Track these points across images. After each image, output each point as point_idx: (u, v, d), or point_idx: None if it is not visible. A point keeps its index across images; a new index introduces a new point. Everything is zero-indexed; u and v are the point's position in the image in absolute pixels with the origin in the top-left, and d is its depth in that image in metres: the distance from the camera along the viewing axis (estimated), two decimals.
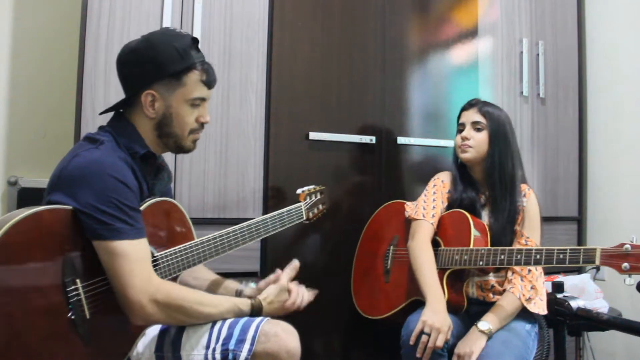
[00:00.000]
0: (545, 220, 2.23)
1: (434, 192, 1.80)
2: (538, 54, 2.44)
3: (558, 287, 1.74)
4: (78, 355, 1.13)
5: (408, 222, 1.81)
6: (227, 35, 1.90)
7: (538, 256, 1.48)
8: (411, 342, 1.51)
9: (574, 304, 1.78)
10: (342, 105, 2.07)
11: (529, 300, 1.64)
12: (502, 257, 1.54)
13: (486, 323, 1.57)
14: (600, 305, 2.06)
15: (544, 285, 1.70)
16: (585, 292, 2.09)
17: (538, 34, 2.45)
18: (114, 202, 1.17)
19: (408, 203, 1.89)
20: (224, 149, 1.88)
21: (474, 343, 1.54)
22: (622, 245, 1.36)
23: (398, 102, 2.17)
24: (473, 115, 1.76)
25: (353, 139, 2.07)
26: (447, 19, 2.28)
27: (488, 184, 1.75)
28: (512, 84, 2.38)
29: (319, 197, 1.78)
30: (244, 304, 1.30)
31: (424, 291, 1.60)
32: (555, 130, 2.48)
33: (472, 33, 2.31)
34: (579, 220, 2.52)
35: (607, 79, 2.52)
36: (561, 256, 1.44)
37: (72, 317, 1.11)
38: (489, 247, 1.64)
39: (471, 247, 1.62)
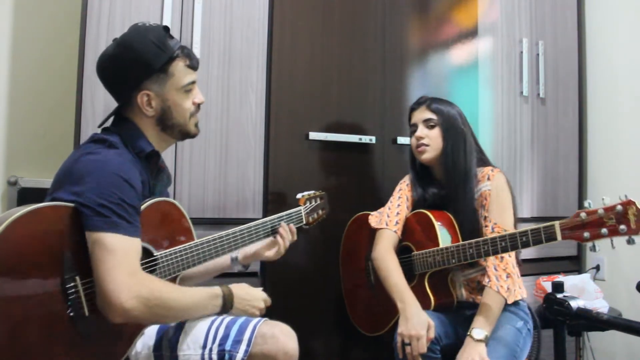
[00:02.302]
0: (546, 219, 2.22)
1: (399, 197, 1.79)
2: (538, 54, 2.44)
3: (558, 287, 1.74)
4: (76, 352, 1.13)
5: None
6: (227, 35, 1.90)
7: (503, 243, 1.46)
8: (400, 357, 1.52)
9: (573, 304, 1.78)
10: (342, 105, 2.07)
11: (507, 290, 1.58)
12: (471, 251, 1.53)
13: (480, 330, 1.52)
14: (600, 305, 2.06)
15: (517, 269, 1.65)
16: (585, 292, 2.09)
17: (538, 34, 2.45)
18: (115, 198, 1.17)
19: (372, 213, 1.86)
20: (224, 149, 1.88)
21: (475, 352, 1.49)
22: (578, 214, 1.33)
23: (398, 102, 2.17)
24: (423, 114, 1.74)
25: (353, 138, 2.07)
26: (447, 19, 2.28)
27: (445, 179, 1.72)
28: (512, 84, 2.38)
29: (318, 202, 1.78)
30: (216, 288, 1.29)
31: (394, 300, 1.59)
32: (555, 130, 2.48)
33: (472, 33, 2.31)
34: None
35: (607, 79, 2.52)
36: (524, 239, 1.42)
37: (71, 314, 1.12)
38: (459, 240, 1.63)
39: (440, 244, 1.61)
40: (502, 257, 1.60)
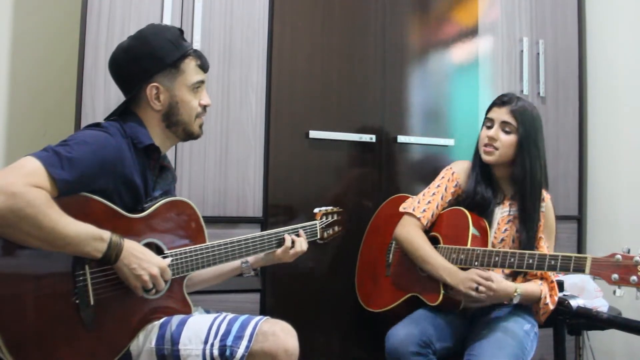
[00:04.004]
0: None
1: (438, 186, 1.76)
2: (538, 53, 2.44)
3: (558, 285, 1.74)
4: (78, 339, 1.15)
5: None
6: (227, 35, 1.91)
7: (531, 260, 1.47)
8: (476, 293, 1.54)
9: (573, 303, 1.78)
10: (342, 104, 2.07)
11: (546, 305, 1.64)
12: (497, 259, 1.53)
13: (519, 296, 1.57)
14: (600, 304, 2.06)
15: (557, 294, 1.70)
16: (585, 291, 2.09)
17: (538, 33, 2.45)
18: (70, 142, 1.17)
19: (412, 197, 1.87)
20: (224, 148, 1.88)
21: (504, 290, 1.55)
22: (614, 255, 1.33)
23: (398, 101, 2.17)
24: (504, 115, 1.67)
25: (353, 137, 2.07)
26: (448, 18, 2.28)
27: (517, 193, 1.70)
28: (512, 83, 2.38)
29: (335, 218, 1.77)
30: (104, 232, 1.16)
31: (434, 272, 1.61)
32: (555, 130, 2.48)
33: (472, 32, 2.31)
34: (579, 220, 2.52)
35: (607, 79, 2.52)
36: (552, 262, 1.43)
37: (77, 301, 1.14)
38: (487, 247, 1.63)
39: (469, 243, 1.61)
40: (552, 281, 1.66)
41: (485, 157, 1.71)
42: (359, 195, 2.08)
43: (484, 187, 1.73)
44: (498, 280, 1.56)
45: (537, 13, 2.46)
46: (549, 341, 1.91)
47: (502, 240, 1.71)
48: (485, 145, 1.70)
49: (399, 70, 2.18)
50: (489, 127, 1.71)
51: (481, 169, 1.75)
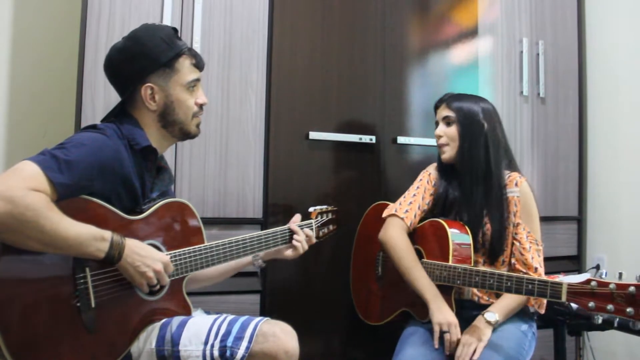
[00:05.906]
0: (546, 219, 2.23)
1: (417, 187, 1.77)
2: (538, 54, 2.44)
3: None
4: (80, 342, 1.15)
5: None
6: (227, 35, 1.91)
7: (509, 283, 1.45)
8: (437, 346, 1.53)
9: (574, 303, 1.78)
10: (342, 105, 2.07)
11: (535, 299, 1.62)
12: (477, 279, 1.52)
13: (493, 314, 1.57)
14: None
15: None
16: None
17: (538, 33, 2.45)
18: (68, 144, 1.17)
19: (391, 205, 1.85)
20: (224, 149, 1.88)
21: (482, 332, 1.53)
22: (589, 281, 1.30)
23: (398, 102, 2.17)
24: (443, 111, 1.73)
25: (353, 138, 2.07)
26: (447, 18, 2.28)
27: (463, 179, 1.70)
28: (512, 84, 2.38)
29: (330, 217, 1.78)
30: (105, 231, 1.16)
31: (421, 293, 1.59)
32: (555, 130, 2.48)
33: (472, 33, 2.31)
34: (579, 220, 2.52)
35: (607, 79, 2.52)
36: (529, 287, 1.41)
37: (78, 304, 1.14)
38: (471, 257, 1.62)
39: (450, 258, 1.59)
40: (536, 269, 1.63)
41: (442, 157, 1.74)
42: (358, 196, 2.08)
43: (454, 186, 1.73)
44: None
45: (537, 14, 2.46)
46: (549, 342, 1.91)
47: (484, 234, 1.68)
48: (438, 146, 1.75)
49: (399, 70, 2.18)
50: (436, 129, 1.76)
51: (446, 170, 1.77)
